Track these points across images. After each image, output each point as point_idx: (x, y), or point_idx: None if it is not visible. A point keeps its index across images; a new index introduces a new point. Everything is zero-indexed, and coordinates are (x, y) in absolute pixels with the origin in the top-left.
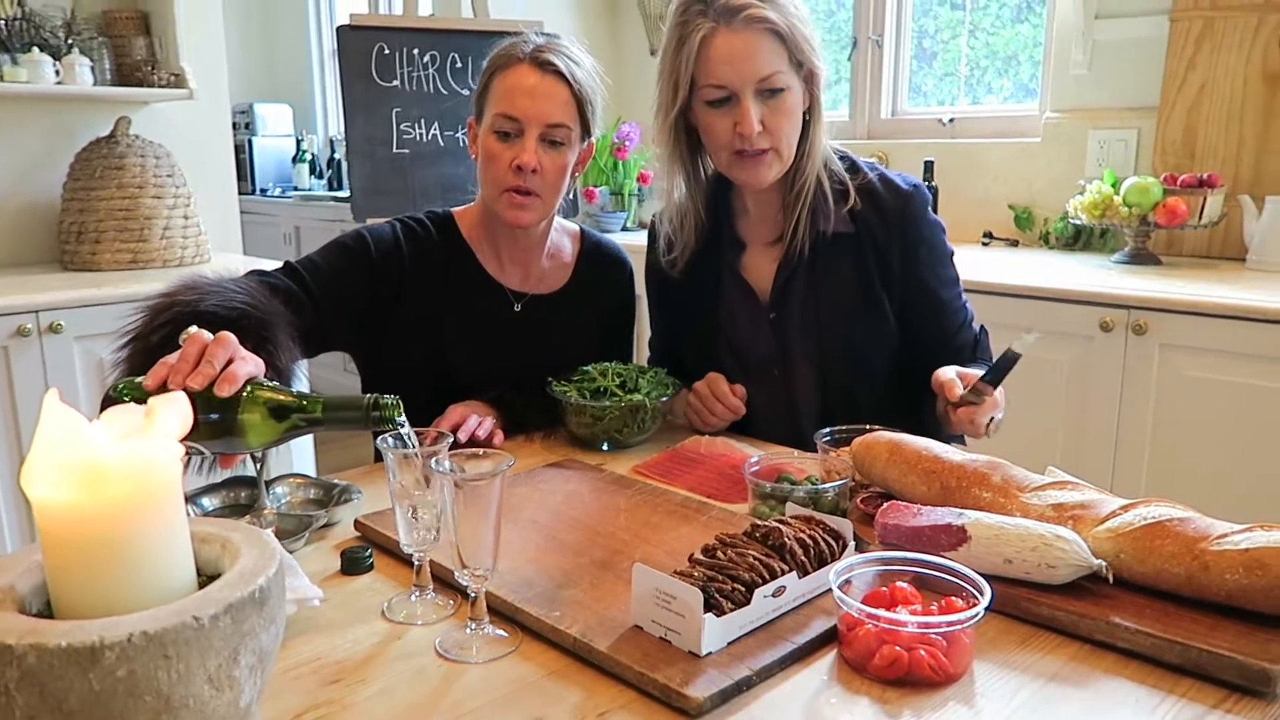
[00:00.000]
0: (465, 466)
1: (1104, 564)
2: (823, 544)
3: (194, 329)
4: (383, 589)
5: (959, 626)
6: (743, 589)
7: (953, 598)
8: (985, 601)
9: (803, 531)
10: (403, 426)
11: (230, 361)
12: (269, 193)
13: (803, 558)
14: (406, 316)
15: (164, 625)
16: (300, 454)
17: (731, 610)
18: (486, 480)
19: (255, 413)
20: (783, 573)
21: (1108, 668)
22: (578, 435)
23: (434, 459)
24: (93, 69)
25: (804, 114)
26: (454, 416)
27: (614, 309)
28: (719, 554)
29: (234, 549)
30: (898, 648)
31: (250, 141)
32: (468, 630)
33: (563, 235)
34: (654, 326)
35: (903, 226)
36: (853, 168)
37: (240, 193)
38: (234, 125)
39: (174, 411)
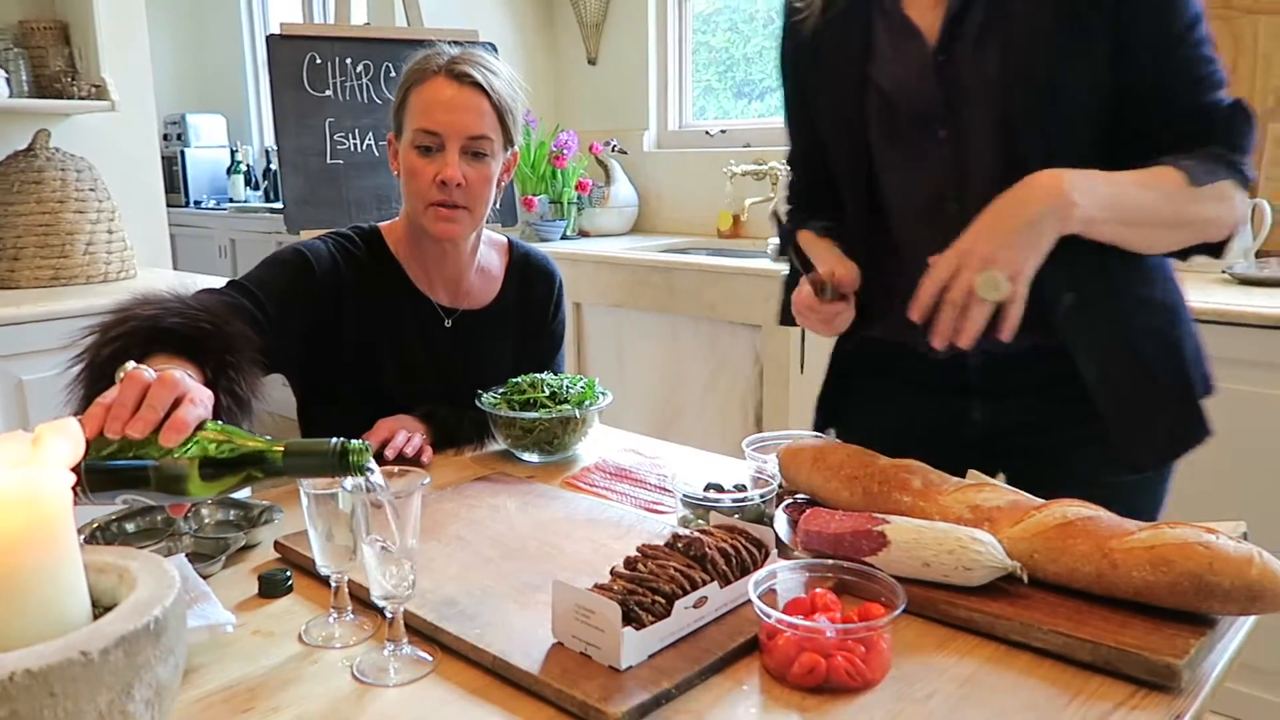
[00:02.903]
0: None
1: (1018, 565)
2: (744, 553)
3: (131, 365)
4: (301, 612)
5: (875, 630)
6: (663, 601)
7: (871, 603)
8: (900, 606)
9: (725, 541)
10: (372, 473)
11: (178, 403)
12: (203, 205)
13: (724, 567)
14: (342, 335)
15: (48, 662)
16: None
17: (652, 623)
18: (402, 499)
19: (207, 464)
20: (704, 583)
21: (1022, 668)
22: (508, 448)
23: (344, 482)
24: (8, 80)
25: None
26: (382, 432)
27: (543, 321)
28: (639, 566)
29: (131, 578)
30: (816, 655)
31: (183, 153)
32: (385, 652)
33: (491, 249)
34: (791, 129)
35: None
36: None
37: (173, 205)
38: (165, 136)
39: (63, 439)
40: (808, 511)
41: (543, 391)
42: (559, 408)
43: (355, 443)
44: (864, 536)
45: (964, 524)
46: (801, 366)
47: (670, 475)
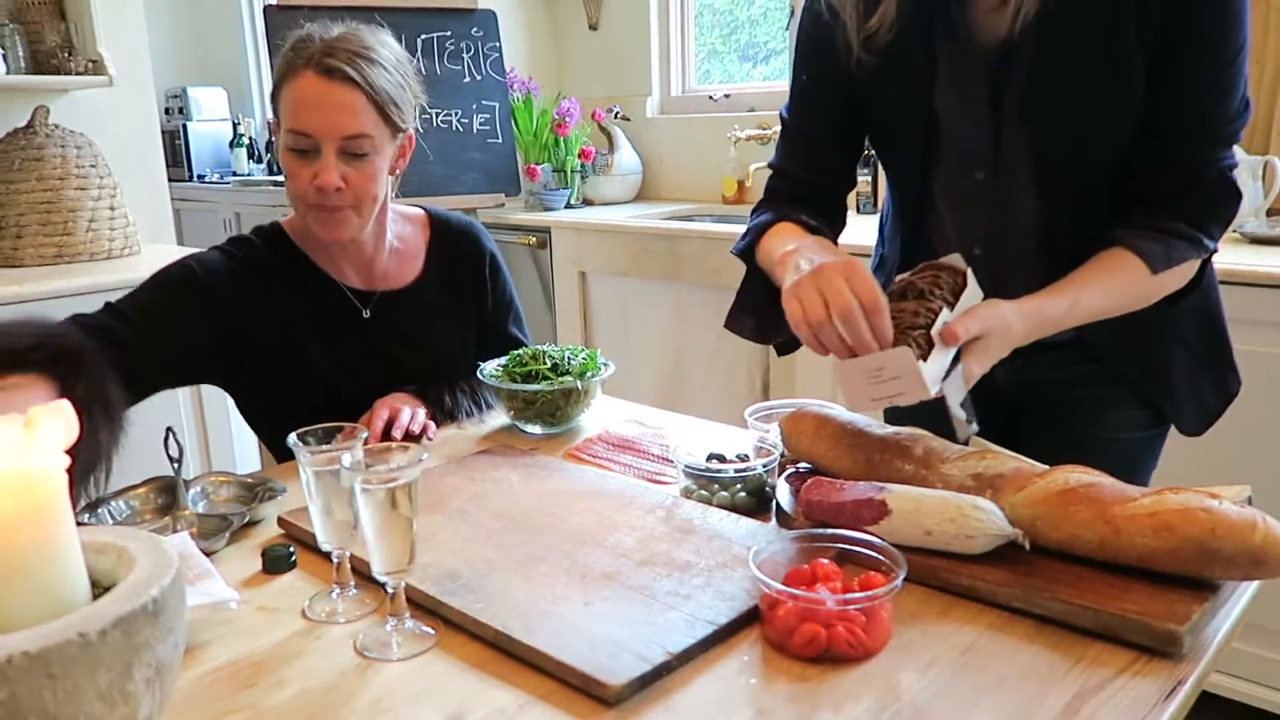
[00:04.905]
0: (378, 462)
1: (1020, 532)
2: (944, 279)
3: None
4: (305, 587)
5: (876, 600)
6: (925, 331)
7: (872, 572)
8: (900, 575)
9: (927, 276)
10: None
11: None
12: (206, 179)
13: (942, 293)
14: (261, 339)
15: (47, 644)
16: (219, 453)
17: (930, 350)
18: (395, 478)
19: None
20: (937, 311)
21: (1024, 635)
22: (511, 420)
23: (343, 458)
24: (5, 57)
25: None
26: (383, 413)
27: (481, 288)
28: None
29: (130, 558)
30: (817, 625)
31: (185, 127)
32: (387, 627)
33: (406, 224)
34: (801, 120)
35: None
36: None
37: (176, 180)
38: (167, 110)
39: (58, 420)
40: (809, 481)
41: (544, 363)
42: (561, 379)
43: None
44: (865, 505)
45: (966, 492)
46: None
47: (673, 446)
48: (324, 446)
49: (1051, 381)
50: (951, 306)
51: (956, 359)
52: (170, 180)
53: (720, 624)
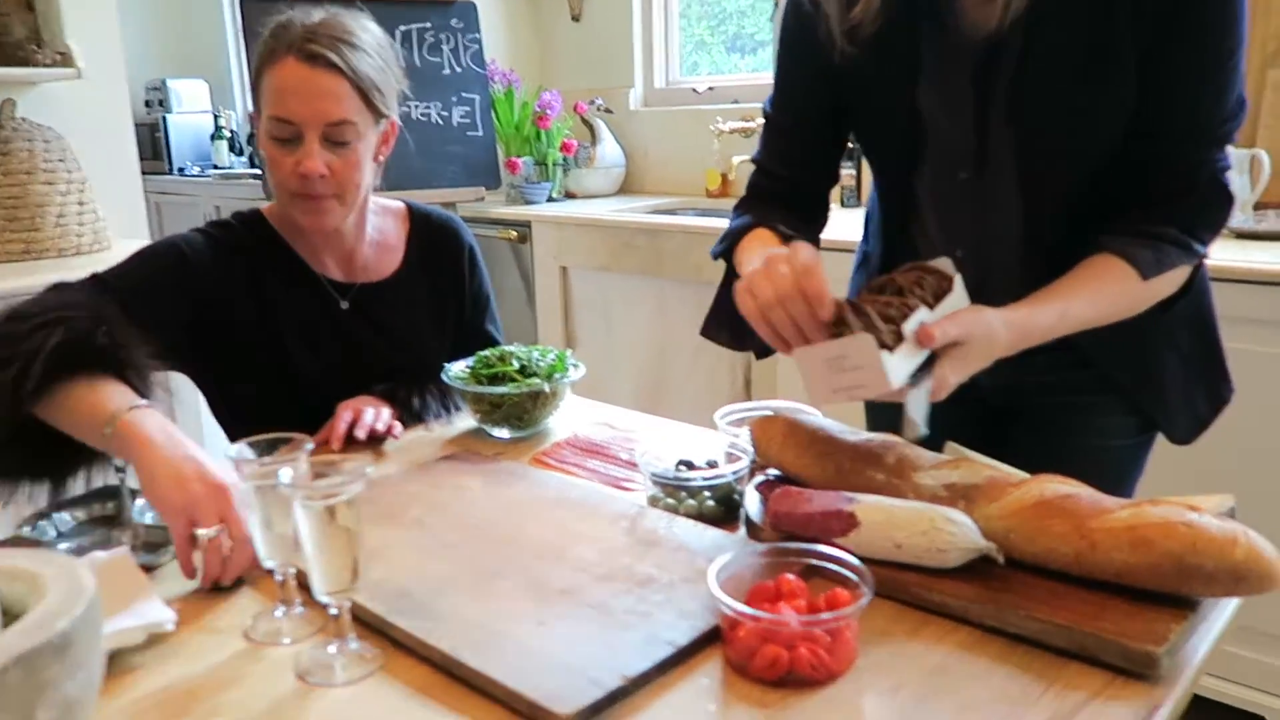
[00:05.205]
0: (322, 475)
1: (993, 546)
2: (929, 281)
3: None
4: (251, 605)
5: (841, 621)
6: (897, 323)
7: (839, 589)
8: (866, 595)
9: (910, 275)
10: None
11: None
12: (187, 172)
13: (922, 293)
14: (238, 327)
15: None
16: None
17: (898, 343)
18: (336, 494)
19: None
20: (914, 309)
21: (995, 654)
22: (477, 423)
23: (280, 473)
24: None
25: None
26: (347, 414)
27: (459, 283)
28: (850, 318)
29: (42, 586)
30: (779, 647)
31: (165, 119)
32: (331, 649)
33: (386, 217)
34: (786, 118)
35: None
36: None
37: (156, 173)
38: (147, 103)
39: None
40: (777, 491)
41: (511, 364)
42: (528, 381)
43: None
44: (834, 517)
45: (939, 502)
46: None
47: (640, 452)
48: (266, 459)
49: (1039, 386)
50: (931, 308)
51: (932, 364)
52: (150, 173)
53: (680, 645)
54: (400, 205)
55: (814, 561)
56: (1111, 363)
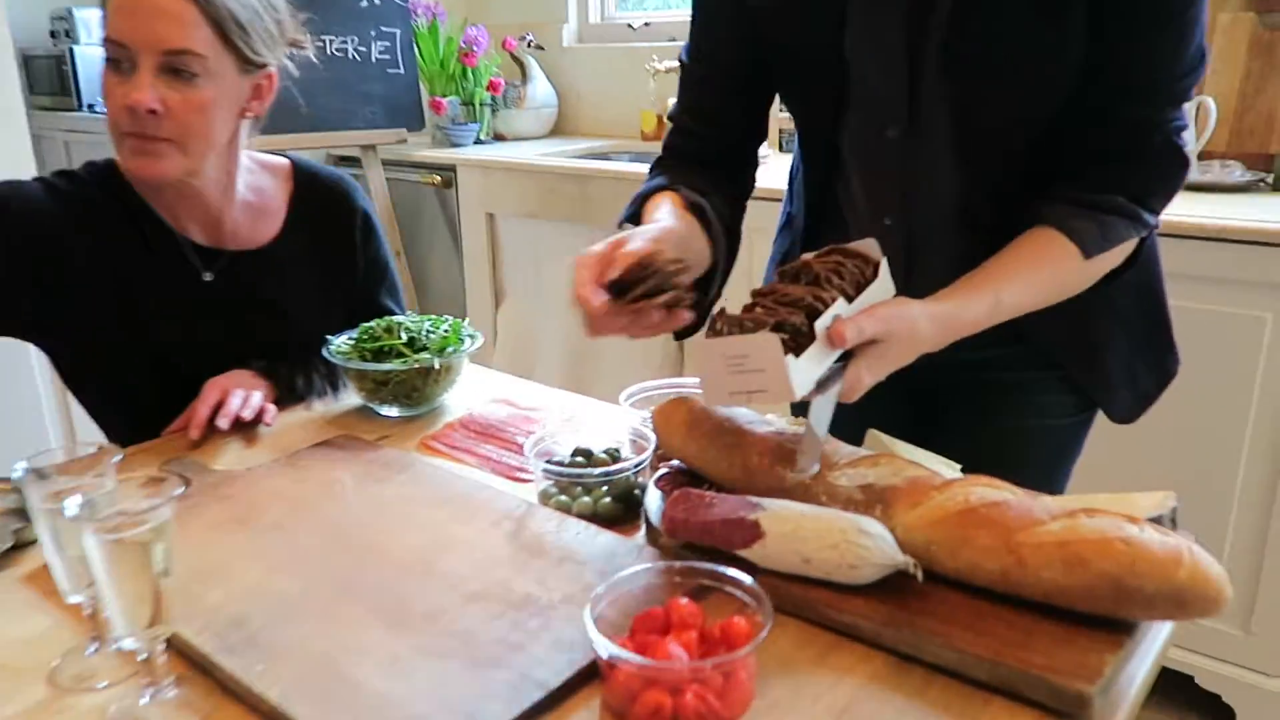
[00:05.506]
0: (123, 497)
1: (911, 561)
2: (849, 267)
3: None
4: (64, 639)
5: (735, 659)
6: (806, 321)
7: (736, 618)
8: (765, 628)
9: (830, 261)
10: None
11: None
12: (98, 108)
13: (841, 283)
14: (83, 291)
15: None
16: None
17: (807, 345)
18: (135, 524)
19: None
20: (832, 301)
21: (912, 688)
22: (363, 401)
23: (66, 504)
24: None
25: None
26: (210, 397)
27: (350, 249)
28: (758, 307)
29: None
30: (662, 694)
31: (72, 51)
32: (144, 699)
33: (264, 175)
34: (704, 64)
35: None
36: None
37: (64, 109)
38: (53, 34)
39: None
40: (675, 494)
41: (399, 337)
42: (417, 356)
43: None
44: (736, 526)
45: (854, 506)
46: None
47: (535, 439)
48: (57, 480)
49: (970, 363)
50: (850, 300)
51: (847, 360)
52: (57, 110)
53: (551, 688)
54: (284, 162)
55: (709, 583)
56: (1048, 335)
